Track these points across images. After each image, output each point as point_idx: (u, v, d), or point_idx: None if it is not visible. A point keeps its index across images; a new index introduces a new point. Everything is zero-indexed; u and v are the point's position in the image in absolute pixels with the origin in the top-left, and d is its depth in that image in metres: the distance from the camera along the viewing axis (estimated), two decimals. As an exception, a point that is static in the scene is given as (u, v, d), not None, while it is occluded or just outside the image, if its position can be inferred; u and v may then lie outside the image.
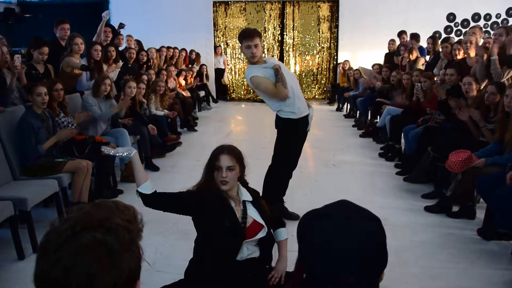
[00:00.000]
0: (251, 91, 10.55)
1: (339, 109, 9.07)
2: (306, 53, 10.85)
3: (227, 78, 10.63)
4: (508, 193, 2.75)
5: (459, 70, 4.46)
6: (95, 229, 0.68)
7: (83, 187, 3.44)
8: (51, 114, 3.54)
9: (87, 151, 3.69)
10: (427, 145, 4.12)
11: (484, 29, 9.06)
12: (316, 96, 10.93)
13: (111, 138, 4.21)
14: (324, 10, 10.50)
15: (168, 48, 8.08)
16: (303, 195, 3.94)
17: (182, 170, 4.79)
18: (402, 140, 5.08)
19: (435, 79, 5.08)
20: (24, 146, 3.29)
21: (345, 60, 9.26)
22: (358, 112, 7.69)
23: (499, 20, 9.69)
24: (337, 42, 10.49)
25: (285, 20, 10.59)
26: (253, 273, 1.93)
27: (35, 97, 3.33)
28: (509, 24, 8.87)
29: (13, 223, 2.79)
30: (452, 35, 9.47)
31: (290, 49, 10.74)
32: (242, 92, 11.11)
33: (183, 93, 7.52)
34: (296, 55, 10.80)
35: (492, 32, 6.92)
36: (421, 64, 6.12)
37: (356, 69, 8.18)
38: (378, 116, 6.32)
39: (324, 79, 10.89)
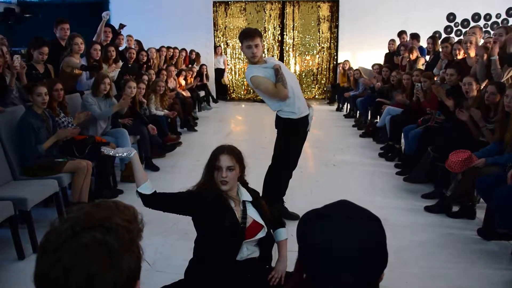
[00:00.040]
0: (251, 91, 10.56)
1: (339, 109, 9.07)
2: (306, 53, 10.85)
3: (227, 78, 10.63)
4: (508, 193, 2.75)
5: (459, 70, 4.46)
6: (95, 229, 0.68)
7: (83, 187, 3.44)
8: (51, 114, 3.54)
9: (87, 151, 3.69)
10: (427, 145, 4.12)
11: (484, 29, 9.06)
12: (316, 96, 10.93)
13: (111, 138, 4.21)
14: (324, 10, 10.50)
15: (168, 48, 8.08)
16: (303, 195, 3.94)
17: (182, 170, 4.79)
18: (402, 140, 5.08)
19: (435, 79, 5.08)
20: (24, 146, 3.29)
21: (345, 60, 9.26)
22: (358, 112, 7.69)
23: (499, 20, 9.69)
24: (337, 42, 10.49)
25: (285, 20, 10.59)
26: (253, 273, 1.93)
27: (35, 97, 3.33)
28: (509, 24, 8.87)
29: (13, 223, 2.79)
30: (452, 35, 9.47)
31: (290, 49, 10.75)
32: (242, 92, 11.11)
33: (183, 93, 7.52)
34: (296, 55, 10.80)
35: (492, 32, 6.92)
36: (421, 64, 6.12)
37: (356, 69, 8.18)
38: (378, 116, 6.32)
39: (324, 79, 10.89)
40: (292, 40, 10.70)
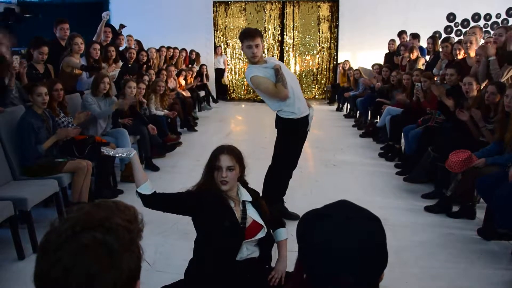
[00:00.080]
0: (251, 91, 10.56)
1: (339, 109, 9.07)
2: (306, 53, 10.85)
3: (227, 78, 10.63)
4: (508, 193, 2.75)
5: (459, 70, 4.47)
6: (95, 229, 0.68)
7: (83, 187, 3.44)
8: (51, 114, 3.54)
9: (87, 151, 3.69)
10: (427, 145, 4.12)
11: (484, 29, 9.06)
12: (316, 96, 10.93)
13: (111, 138, 4.21)
14: (324, 10, 10.51)
15: (168, 48, 8.08)
16: (303, 195, 3.94)
17: (182, 170, 4.79)
18: (402, 140, 5.08)
19: (435, 79, 5.08)
20: (24, 146, 3.29)
21: (345, 60, 9.26)
22: (358, 112, 7.69)
23: (499, 20, 9.69)
24: (337, 42, 10.49)
25: (285, 20, 10.59)
26: (252, 273, 1.93)
27: (36, 97, 3.33)
28: (509, 24, 8.88)
29: (13, 223, 2.79)
30: (452, 35, 9.47)
31: (290, 49, 10.75)
32: (242, 92, 11.11)
33: (183, 93, 7.53)
34: (296, 55, 10.80)
35: (492, 32, 6.92)
36: (421, 64, 6.12)
37: (356, 69, 8.17)
38: (378, 116, 6.32)
39: (324, 79, 10.89)
40: (292, 40, 10.70)
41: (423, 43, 6.85)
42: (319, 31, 10.65)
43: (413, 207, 3.72)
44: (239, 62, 10.98)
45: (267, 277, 1.94)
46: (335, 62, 10.60)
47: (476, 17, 9.76)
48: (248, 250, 1.93)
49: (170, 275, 2.15)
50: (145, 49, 6.92)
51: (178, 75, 7.71)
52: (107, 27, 5.74)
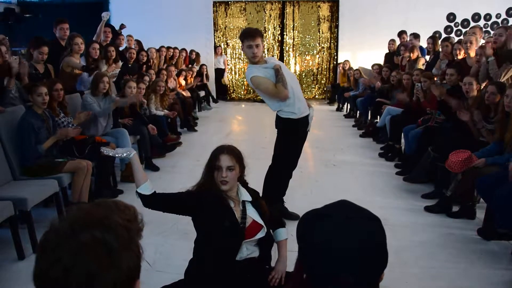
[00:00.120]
0: (251, 91, 10.56)
1: (339, 109, 9.07)
2: (306, 53, 10.86)
3: (227, 78, 10.63)
4: (508, 193, 2.75)
5: (459, 70, 4.46)
6: (95, 228, 0.68)
7: (83, 187, 3.44)
8: (51, 114, 3.54)
9: (87, 151, 3.69)
10: (427, 145, 4.12)
11: (484, 29, 9.06)
12: (316, 96, 10.94)
13: (111, 138, 4.21)
14: (324, 10, 10.51)
15: (168, 48, 8.08)
16: (303, 195, 3.94)
17: (182, 170, 4.79)
18: (402, 140, 5.08)
19: (435, 79, 5.08)
20: (24, 146, 3.29)
21: (345, 60, 9.26)
22: (358, 112, 7.69)
23: (499, 20, 9.69)
24: (337, 42, 10.49)
25: (285, 20, 10.60)
26: (252, 273, 1.93)
27: (36, 97, 3.33)
28: (509, 24, 8.88)
29: (13, 223, 2.79)
30: (452, 35, 9.47)
31: (290, 49, 10.75)
32: (242, 92, 11.11)
33: (183, 93, 7.53)
34: (296, 55, 10.80)
35: (492, 32, 6.91)
36: (421, 64, 6.12)
37: (356, 69, 8.17)
38: (378, 116, 6.32)
39: (324, 79, 10.89)
40: (292, 40, 10.70)
41: (423, 43, 6.85)
42: (319, 31, 10.65)
43: (413, 207, 3.72)
44: (239, 62, 10.98)
45: (267, 277, 1.94)
46: (335, 62, 10.60)
47: (476, 17, 9.76)
48: (248, 250, 1.93)
49: (170, 275, 2.15)
50: (145, 49, 6.92)
51: (178, 75, 7.71)
52: (106, 27, 5.74)
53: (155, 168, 4.81)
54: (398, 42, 7.47)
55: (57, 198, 3.30)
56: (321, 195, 3.91)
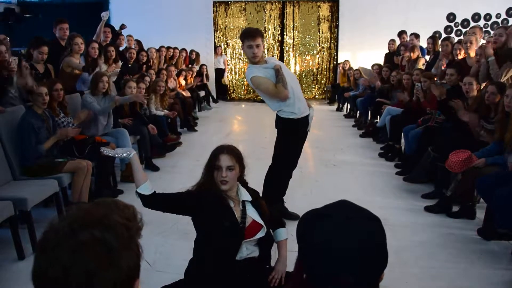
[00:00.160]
0: (251, 91, 10.56)
1: (339, 109, 9.07)
2: (306, 53, 10.86)
3: (227, 78, 10.63)
4: (508, 193, 2.75)
5: (459, 70, 4.46)
6: (94, 227, 0.68)
7: (83, 187, 3.44)
8: (51, 114, 3.54)
9: (87, 151, 3.70)
10: (427, 145, 4.12)
11: (484, 29, 9.06)
12: (316, 96, 10.94)
13: (111, 138, 4.21)
14: (324, 10, 10.51)
15: (168, 48, 8.08)
16: (303, 195, 3.94)
17: (182, 170, 4.79)
18: (402, 140, 5.08)
19: (435, 79, 5.08)
20: (24, 146, 3.29)
21: (345, 60, 9.26)
22: (358, 112, 7.69)
23: (499, 20, 9.69)
24: (337, 42, 10.49)
25: (285, 20, 10.60)
26: (252, 273, 1.93)
27: (36, 97, 3.33)
28: (509, 24, 8.88)
29: (13, 223, 2.79)
30: (452, 35, 9.47)
31: (290, 49, 10.75)
32: (242, 92, 11.12)
33: (183, 93, 7.53)
34: (296, 55, 10.80)
35: (492, 32, 6.91)
36: (421, 64, 6.12)
37: (356, 69, 8.18)
38: (378, 116, 6.32)
39: (324, 79, 10.89)
40: (292, 40, 10.70)
41: (423, 43, 6.85)
42: (319, 31, 10.65)
43: (413, 207, 3.72)
44: (239, 62, 10.98)
45: (267, 277, 1.94)
46: (335, 62, 10.60)
47: (476, 17, 9.76)
48: (248, 250, 1.93)
49: (170, 275, 2.15)
50: (145, 49, 6.92)
51: (178, 75, 7.71)
52: (106, 27, 5.73)
53: (155, 168, 4.81)
54: (398, 42, 7.47)
55: (57, 198, 3.30)
56: (321, 195, 3.91)
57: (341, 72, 9.43)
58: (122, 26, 6.70)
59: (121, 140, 4.29)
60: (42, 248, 0.67)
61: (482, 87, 4.01)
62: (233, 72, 11.02)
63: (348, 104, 8.48)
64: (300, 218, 0.93)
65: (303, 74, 10.92)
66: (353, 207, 0.91)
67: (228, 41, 10.80)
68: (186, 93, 7.66)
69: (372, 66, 7.37)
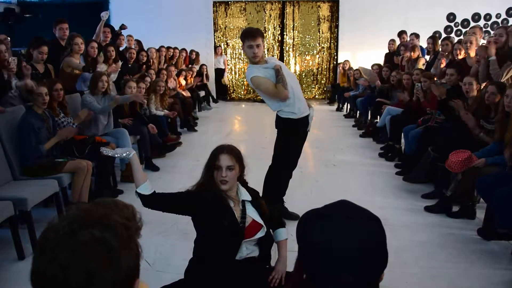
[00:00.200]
0: (251, 91, 10.57)
1: (339, 109, 9.07)
2: (306, 53, 10.86)
3: (227, 78, 10.63)
4: (508, 193, 2.75)
5: (459, 70, 4.46)
6: (93, 227, 0.67)
7: (83, 187, 3.44)
8: (51, 114, 3.54)
9: (87, 151, 3.70)
10: (427, 145, 4.11)
11: (484, 29, 9.06)
12: (316, 96, 10.94)
13: (111, 138, 4.21)
14: (324, 10, 10.51)
15: (168, 48, 8.08)
16: (303, 195, 3.94)
17: (182, 170, 4.79)
18: (402, 140, 5.08)
19: (435, 79, 5.08)
20: (25, 146, 3.29)
21: (345, 60, 9.27)
22: (358, 112, 7.69)
23: (499, 20, 9.69)
24: (337, 42, 10.49)
25: (285, 20, 10.60)
26: (252, 272, 1.93)
27: (36, 97, 3.33)
28: (509, 24, 8.87)
29: (13, 223, 2.79)
30: (452, 35, 9.48)
31: (290, 49, 10.75)
32: (242, 92, 11.12)
33: (183, 93, 7.53)
34: (296, 55, 10.80)
35: (492, 32, 6.91)
36: (421, 64, 6.12)
37: (356, 69, 8.17)
38: (378, 116, 6.32)
39: (324, 79, 10.89)
40: (292, 40, 10.70)
41: (423, 43, 6.85)
42: (319, 31, 10.65)
43: (413, 207, 3.72)
44: (239, 62, 10.98)
45: (267, 277, 1.94)
46: (335, 62, 10.60)
47: (476, 17, 9.76)
48: (248, 250, 1.93)
49: (170, 275, 2.15)
50: (145, 49, 6.92)
51: (178, 75, 7.71)
52: (106, 27, 5.73)
53: (155, 168, 4.81)
54: (398, 42, 7.47)
55: (57, 198, 3.30)
56: (321, 195, 3.91)
57: (341, 72, 9.43)
58: (122, 26, 6.70)
59: (121, 140, 4.29)
60: (42, 248, 0.67)
61: (482, 87, 4.01)
62: (233, 72, 11.02)
63: (348, 104, 8.48)
64: (300, 218, 0.93)
65: (303, 74, 10.92)
66: (353, 207, 0.91)
67: (228, 41, 10.80)
68: (186, 93, 7.66)
69: (372, 66, 7.37)
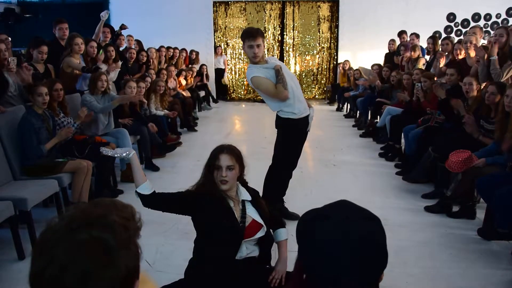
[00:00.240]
0: (251, 91, 10.57)
1: (339, 109, 9.07)
2: (306, 53, 10.86)
3: (227, 78, 10.63)
4: (508, 193, 2.75)
5: (459, 70, 4.46)
6: (92, 226, 0.67)
7: (83, 187, 3.44)
8: (51, 114, 3.54)
9: (87, 151, 3.69)
10: (427, 145, 4.11)
11: (484, 29, 9.05)
12: (316, 96, 10.94)
13: (111, 138, 4.21)
14: (324, 10, 10.51)
15: (168, 48, 8.07)
16: (303, 195, 3.94)
17: (182, 170, 4.79)
18: (402, 140, 5.08)
19: (435, 79, 5.08)
20: (26, 145, 3.29)
21: (345, 60, 9.26)
22: (358, 112, 7.69)
23: (499, 20, 9.69)
24: (337, 42, 10.49)
25: (285, 20, 10.60)
26: (252, 272, 1.93)
27: (36, 97, 3.33)
28: (509, 24, 8.87)
29: (13, 223, 2.78)
30: (452, 35, 9.48)
31: (290, 49, 10.75)
32: (242, 92, 11.12)
33: (183, 93, 7.53)
34: (296, 55, 10.80)
35: (492, 32, 6.91)
36: (421, 64, 6.12)
37: (356, 69, 8.17)
38: (378, 116, 6.32)
39: (324, 79, 10.89)
40: (292, 40, 10.70)
41: (423, 43, 6.84)
42: (319, 31, 10.65)
43: (413, 207, 3.72)
44: (239, 62, 10.98)
45: (267, 277, 1.94)
46: (335, 62, 10.60)
47: (476, 17, 9.76)
48: (248, 249, 1.93)
49: (170, 275, 2.15)
50: (145, 49, 6.92)
51: (178, 75, 7.71)
52: (106, 27, 5.73)
53: (155, 168, 4.81)
54: (398, 42, 7.46)
55: (57, 198, 3.30)
56: (321, 195, 3.91)
57: (341, 72, 9.42)
58: (123, 26, 6.70)
59: (121, 140, 4.29)
60: (40, 248, 0.66)
61: (482, 87, 4.00)
62: (233, 72, 11.02)
63: (348, 104, 8.48)
64: (300, 218, 0.93)
65: (303, 74, 10.92)
66: (353, 207, 0.90)
67: (228, 41, 10.80)
68: (186, 93, 7.66)
69: (372, 66, 7.37)
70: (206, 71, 9.30)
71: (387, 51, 7.71)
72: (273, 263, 2.04)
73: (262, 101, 3.61)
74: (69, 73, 4.54)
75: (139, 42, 7.33)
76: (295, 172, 3.48)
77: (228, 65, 10.74)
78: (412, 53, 6.37)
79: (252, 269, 1.94)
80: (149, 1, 9.88)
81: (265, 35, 10.34)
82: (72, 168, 3.39)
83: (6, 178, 3.21)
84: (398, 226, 3.29)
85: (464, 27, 9.73)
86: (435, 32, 9.13)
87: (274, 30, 10.67)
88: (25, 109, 3.48)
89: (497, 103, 3.49)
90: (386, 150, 5.41)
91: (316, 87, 10.97)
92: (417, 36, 7.06)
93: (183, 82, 7.90)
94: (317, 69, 10.86)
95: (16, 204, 2.78)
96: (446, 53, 5.34)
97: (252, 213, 1.95)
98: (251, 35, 3.00)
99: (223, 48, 10.57)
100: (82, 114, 3.86)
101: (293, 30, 10.65)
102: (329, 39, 10.66)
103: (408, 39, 7.26)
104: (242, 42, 3.12)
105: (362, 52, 9.82)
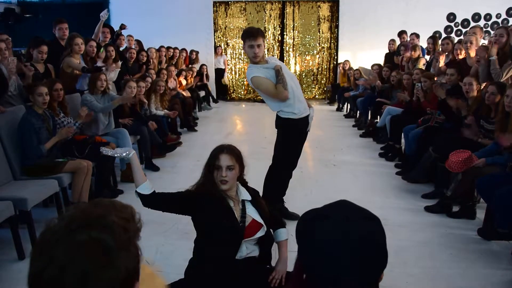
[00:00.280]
0: (251, 91, 10.57)
1: (339, 109, 9.07)
2: (306, 53, 10.85)
3: (227, 78, 10.63)
4: (508, 193, 2.75)
5: (459, 70, 4.46)
6: (91, 227, 0.67)
7: (83, 187, 3.44)
8: (51, 114, 3.54)
9: (87, 151, 3.69)
10: (427, 145, 4.11)
11: (484, 29, 9.05)
12: (316, 96, 10.94)
13: (111, 138, 4.21)
14: (324, 10, 10.51)
15: (168, 48, 8.07)
16: (303, 195, 3.94)
17: (182, 170, 4.79)
18: (402, 140, 5.08)
19: (435, 79, 5.08)
20: (26, 145, 3.29)
21: (345, 60, 9.26)
22: (358, 112, 7.69)
23: (499, 20, 9.69)
24: (337, 42, 10.49)
25: (285, 20, 10.59)
26: (252, 272, 1.93)
27: (36, 97, 3.33)
28: (509, 24, 8.87)
29: (13, 223, 2.78)
30: (452, 35, 9.47)
31: (290, 49, 10.75)
32: (242, 92, 11.11)
33: (183, 93, 7.53)
34: (296, 55, 10.80)
35: (492, 32, 6.91)
36: (422, 64, 6.12)
37: (356, 69, 8.17)
38: (378, 116, 6.32)
39: (324, 79, 10.89)
40: (292, 40, 10.70)
41: (423, 43, 6.84)
42: (319, 31, 10.65)
43: (413, 207, 3.72)
44: (239, 62, 10.98)
45: (267, 277, 1.94)
46: (335, 62, 10.60)
47: (476, 17, 9.76)
48: (248, 249, 1.93)
49: (170, 275, 2.15)
50: (145, 49, 6.92)
51: (178, 75, 7.71)
52: (105, 27, 5.73)
53: (155, 168, 4.81)
54: (398, 42, 7.46)
55: (57, 198, 3.30)
56: (321, 195, 3.91)
57: (341, 72, 9.42)
58: (122, 26, 6.70)
59: (121, 140, 4.29)
60: (39, 248, 0.66)
61: (482, 87, 4.01)
62: (233, 72, 11.01)
63: (348, 104, 8.48)
64: (299, 218, 0.93)
65: (303, 74, 10.92)
66: (353, 207, 0.90)
67: (228, 41, 10.80)
68: (186, 93, 7.66)
69: (372, 66, 7.37)
70: (206, 71, 9.30)
71: (387, 51, 7.71)
72: (273, 263, 2.04)
73: (262, 101, 3.61)
74: (69, 73, 4.54)
75: (139, 42, 7.33)
76: (295, 172, 3.48)
77: (228, 65, 10.74)
78: (412, 53, 6.37)
79: (252, 269, 1.94)
80: (149, 1, 9.88)
81: (265, 35, 10.38)
82: (72, 168, 3.39)
83: (6, 178, 3.21)
84: (398, 226, 3.29)
85: (464, 27, 9.73)
86: (435, 32, 9.13)
87: (274, 30, 10.67)
88: (25, 109, 3.49)
89: (497, 103, 3.49)
90: (386, 150, 5.41)
91: (316, 87, 10.97)
92: (417, 36, 7.06)
93: (183, 82, 7.90)
94: (317, 69, 10.86)
95: (16, 204, 2.78)
96: (446, 53, 5.34)
97: (252, 213, 1.95)
98: (251, 35, 3.00)
99: (223, 48, 10.57)
100: (82, 113, 3.86)
101: (293, 30, 10.65)
102: (329, 39, 10.66)
103: (408, 39, 7.26)
104: (242, 42, 3.12)
105: (362, 52, 9.82)
